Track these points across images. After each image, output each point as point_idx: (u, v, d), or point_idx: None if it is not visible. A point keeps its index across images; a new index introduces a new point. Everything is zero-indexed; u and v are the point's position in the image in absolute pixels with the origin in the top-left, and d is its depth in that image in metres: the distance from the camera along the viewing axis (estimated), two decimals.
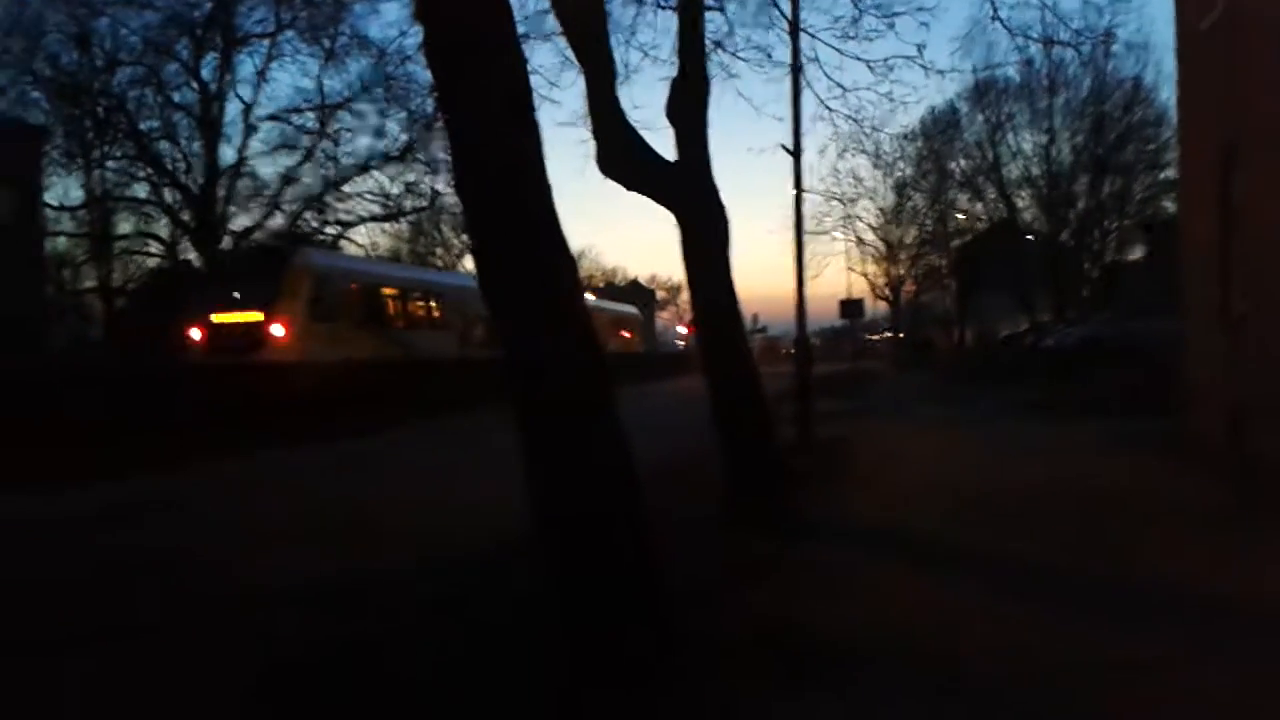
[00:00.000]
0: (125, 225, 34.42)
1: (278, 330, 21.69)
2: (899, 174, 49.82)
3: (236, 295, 22.43)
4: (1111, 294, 38.68)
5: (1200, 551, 6.73)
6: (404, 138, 32.55)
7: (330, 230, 34.34)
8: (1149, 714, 4.05)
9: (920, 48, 16.14)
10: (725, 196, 9.93)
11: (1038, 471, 10.84)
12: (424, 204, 35.17)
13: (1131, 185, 41.45)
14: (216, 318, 22.39)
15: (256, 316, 21.96)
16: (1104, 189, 41.18)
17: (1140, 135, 40.20)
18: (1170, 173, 37.19)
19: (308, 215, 33.18)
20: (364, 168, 32.96)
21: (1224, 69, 12.01)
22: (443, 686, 4.51)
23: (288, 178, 32.29)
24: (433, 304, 27.79)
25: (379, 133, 32.53)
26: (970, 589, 6.07)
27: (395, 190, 34.04)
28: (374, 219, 34.79)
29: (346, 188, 33.42)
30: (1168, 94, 37.49)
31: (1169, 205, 38.78)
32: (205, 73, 31.05)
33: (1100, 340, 23.36)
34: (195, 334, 22.59)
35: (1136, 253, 44.91)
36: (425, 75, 29.30)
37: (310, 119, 32.20)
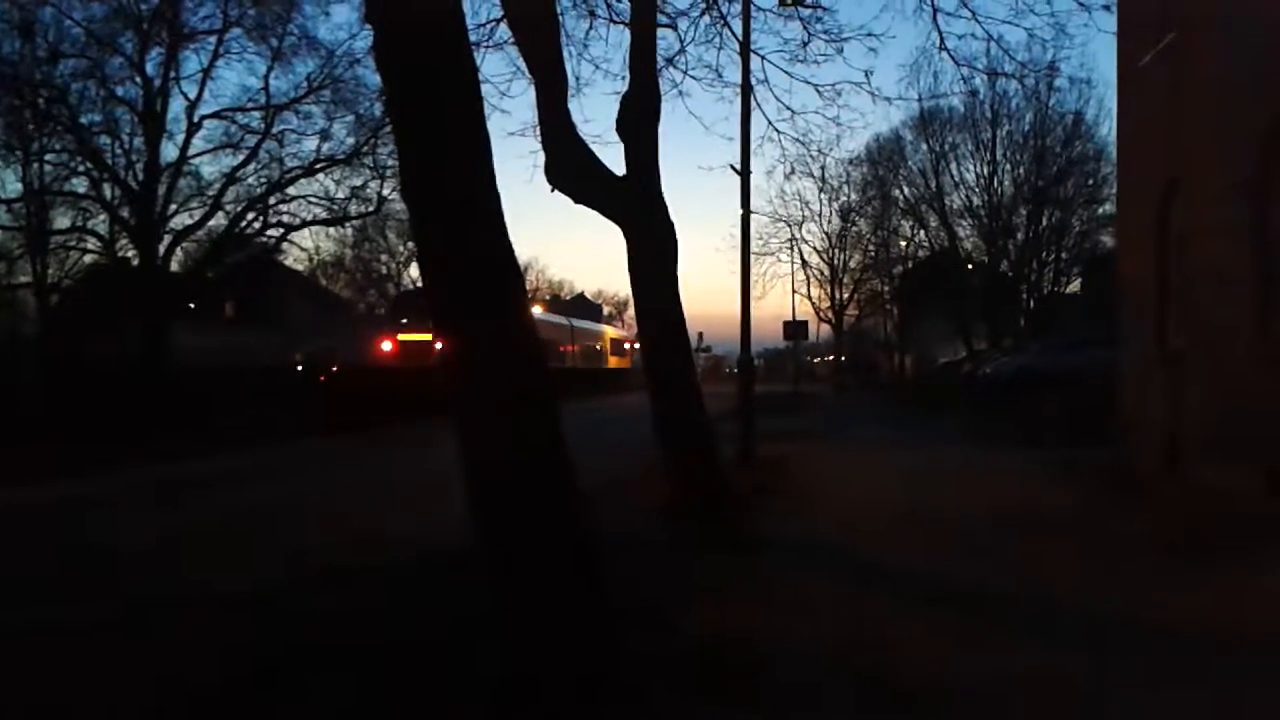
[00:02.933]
0: (63, 220, 33.57)
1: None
2: (844, 199, 50.47)
3: (405, 321, 36.32)
4: (1048, 325, 39.35)
5: (1123, 578, 6.81)
6: (351, 141, 32.11)
7: (273, 232, 33.77)
8: None
9: (868, 74, 16.46)
10: (674, 213, 9.93)
11: (971, 497, 10.93)
12: (370, 209, 34.66)
13: (1070, 219, 42.24)
14: (403, 336, 35.91)
15: (427, 336, 34.02)
16: (1043, 221, 41.91)
17: (1080, 169, 41.02)
18: (1108, 207, 38.08)
19: (250, 216, 32.53)
20: (309, 170, 32.35)
21: (1163, 106, 12.28)
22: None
23: (230, 177, 31.63)
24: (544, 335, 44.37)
25: (325, 135, 31.95)
26: (905, 608, 6.10)
27: (341, 194, 33.49)
28: (318, 222, 34.17)
29: (291, 190, 32.73)
30: (1108, 129, 38.41)
31: (1106, 239, 39.65)
32: (150, 68, 30.26)
33: (1036, 370, 23.65)
34: (387, 346, 37.25)
35: (1074, 285, 45.86)
36: (374, 79, 29.02)
37: (255, 118, 31.51)
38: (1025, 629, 5.66)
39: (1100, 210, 40.63)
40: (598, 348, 59.87)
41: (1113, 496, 10.82)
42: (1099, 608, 6.03)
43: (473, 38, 8.68)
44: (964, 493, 11.27)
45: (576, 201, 9.69)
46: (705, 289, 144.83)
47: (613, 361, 61.78)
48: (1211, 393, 10.65)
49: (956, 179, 43.24)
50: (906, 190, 46.27)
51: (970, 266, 44.24)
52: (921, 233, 47.21)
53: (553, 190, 9.45)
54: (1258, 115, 9.75)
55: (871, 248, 52.35)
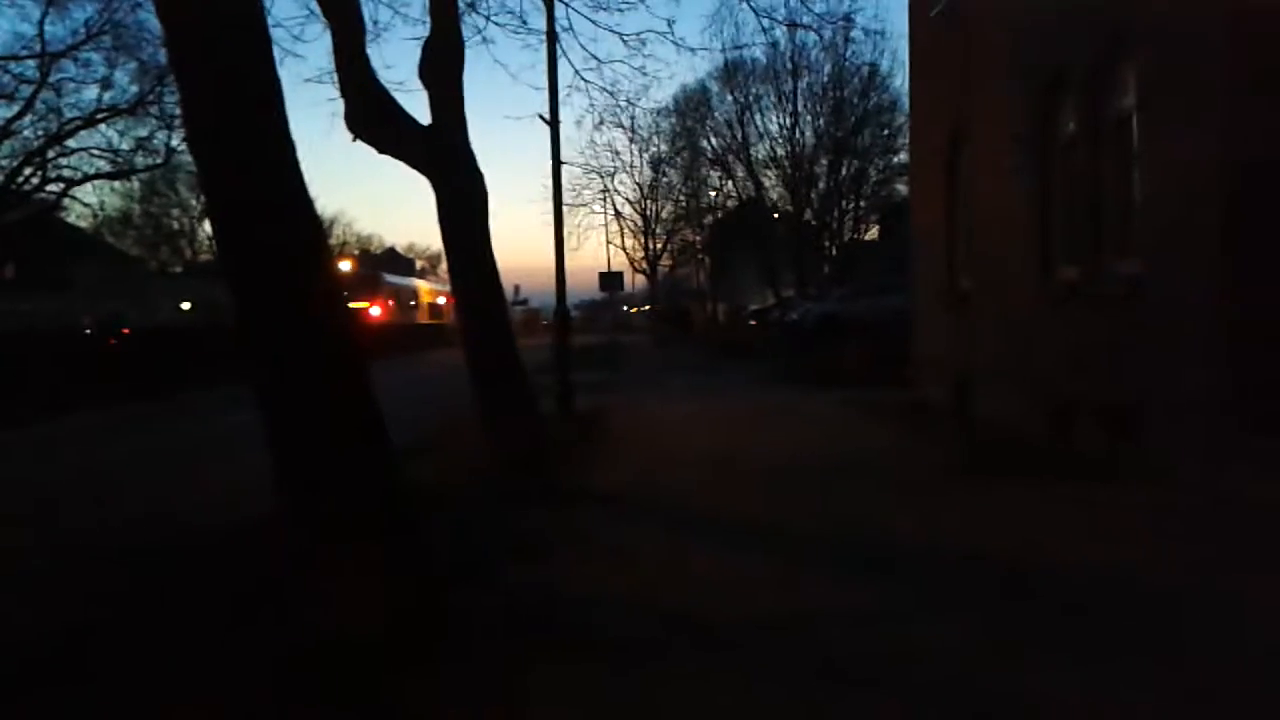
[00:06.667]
0: None
1: (376, 311, 48.92)
2: (654, 149, 50.85)
3: (346, 294, 46.07)
4: (850, 272, 40.89)
5: (921, 507, 7.24)
6: (135, 90, 30.20)
7: (53, 188, 31.51)
8: (864, 656, 4.30)
9: (670, 23, 16.49)
10: (484, 164, 9.79)
11: (781, 438, 11.34)
12: (158, 162, 32.84)
13: (868, 168, 43.87)
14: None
15: (365, 304, 45.97)
16: (843, 171, 43.36)
17: (876, 120, 42.55)
18: (903, 156, 39.65)
19: (27, 171, 30.21)
20: (90, 121, 30.32)
21: (952, 56, 12.84)
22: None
23: (4, 130, 29.28)
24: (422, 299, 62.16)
25: (107, 84, 29.98)
26: (722, 552, 6.27)
27: (126, 146, 31.56)
28: (102, 176, 32.21)
29: (71, 142, 30.71)
30: (902, 80, 39.96)
31: (902, 188, 41.41)
32: None
33: (838, 316, 24.61)
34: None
35: (873, 232, 47.79)
36: (157, 23, 27.31)
37: (31, 67, 29.26)
38: (829, 561, 5.94)
39: (895, 160, 42.34)
40: (412, 303, 61.58)
41: (906, 433, 11.40)
42: (892, 536, 6.41)
43: None
44: (774, 434, 11.68)
45: (380, 151, 9.42)
46: (520, 241, 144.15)
47: (428, 317, 62.09)
48: (997, 333, 11.31)
49: (761, 130, 44.19)
50: (714, 141, 47.02)
51: (776, 216, 45.42)
52: (729, 183, 48.14)
53: (354, 140, 9.15)
54: (1040, 67, 10.28)
55: (682, 198, 53.07)
